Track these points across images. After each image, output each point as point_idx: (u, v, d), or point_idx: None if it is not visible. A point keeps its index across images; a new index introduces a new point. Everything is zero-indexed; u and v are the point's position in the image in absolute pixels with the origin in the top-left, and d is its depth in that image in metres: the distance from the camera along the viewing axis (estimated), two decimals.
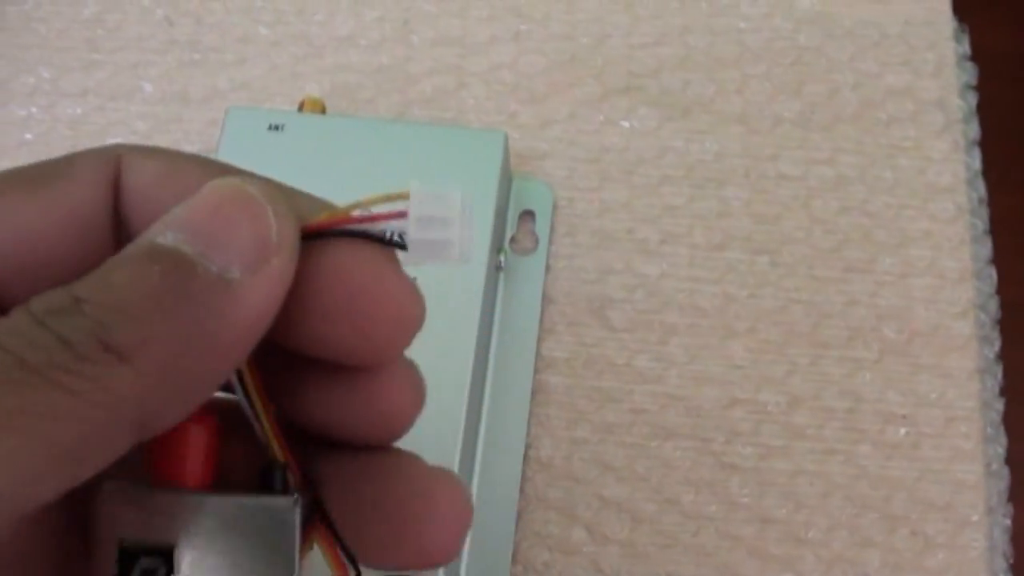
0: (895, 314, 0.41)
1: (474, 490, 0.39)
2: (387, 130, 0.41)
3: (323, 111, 0.42)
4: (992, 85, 0.45)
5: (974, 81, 0.45)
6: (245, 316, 0.19)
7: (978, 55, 0.45)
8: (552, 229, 0.43)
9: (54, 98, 0.45)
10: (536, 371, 0.41)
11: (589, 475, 0.40)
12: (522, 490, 0.39)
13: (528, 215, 0.43)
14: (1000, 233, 0.43)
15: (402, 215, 0.20)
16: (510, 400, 0.40)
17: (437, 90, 0.45)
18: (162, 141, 0.44)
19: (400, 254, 0.21)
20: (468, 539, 0.38)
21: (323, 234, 0.20)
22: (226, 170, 0.22)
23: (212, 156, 0.39)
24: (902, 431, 0.40)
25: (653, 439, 0.40)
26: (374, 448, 0.23)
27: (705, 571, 0.39)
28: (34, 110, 0.45)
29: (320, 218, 0.20)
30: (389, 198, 0.20)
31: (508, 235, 0.42)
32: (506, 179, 0.41)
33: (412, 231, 0.20)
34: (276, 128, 0.40)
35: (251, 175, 0.22)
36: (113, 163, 0.22)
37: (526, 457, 0.40)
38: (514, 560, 0.39)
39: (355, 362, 0.21)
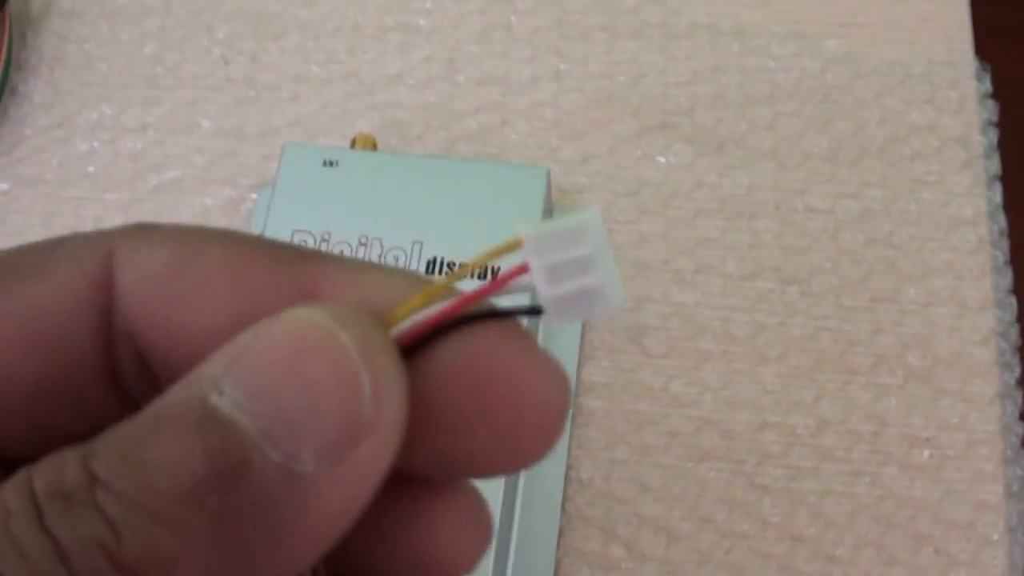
0: (919, 342, 0.43)
1: (517, 510, 0.41)
2: (436, 166, 0.43)
3: (375, 147, 0.44)
4: (1014, 120, 0.47)
5: (995, 118, 0.47)
6: (317, 521, 0.14)
7: (1001, 91, 0.47)
8: None
9: (115, 133, 0.48)
10: (576, 395, 0.43)
11: (627, 495, 0.42)
12: (563, 509, 0.41)
13: None
14: (1021, 260, 0.45)
15: (524, 270, 0.16)
16: None
17: (482, 127, 0.47)
18: (219, 174, 0.47)
19: (545, 319, 0.16)
20: (512, 556, 0.40)
21: (429, 337, 0.16)
22: (254, 248, 0.17)
23: (269, 191, 0.42)
24: (926, 454, 0.42)
25: (688, 460, 0.42)
26: None
27: None
28: (96, 144, 0.48)
29: (417, 321, 0.16)
30: (497, 253, 0.16)
31: None
32: (547, 212, 0.43)
33: (544, 289, 0.15)
34: (331, 164, 0.42)
35: (314, 261, 0.17)
36: (101, 256, 0.17)
37: (567, 478, 0.42)
38: None
39: (490, 474, 0.17)
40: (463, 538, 0.18)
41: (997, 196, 0.46)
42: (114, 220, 0.46)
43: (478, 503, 0.19)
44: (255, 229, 0.43)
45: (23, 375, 0.17)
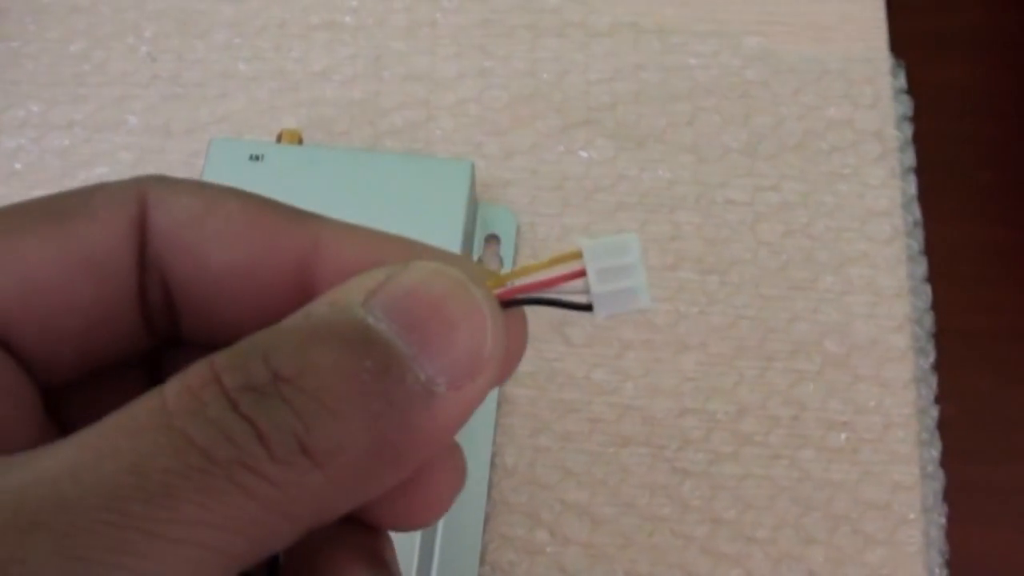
0: (836, 329, 0.48)
1: None
2: (361, 160, 0.46)
3: (300, 142, 0.47)
4: (928, 117, 0.52)
5: (910, 113, 0.51)
6: (436, 429, 0.19)
7: (915, 89, 0.52)
8: (516, 252, 0.49)
9: (43, 130, 0.51)
10: (501, 385, 0.46)
11: (551, 480, 0.45)
12: (489, 495, 0.45)
13: (493, 239, 0.49)
14: (935, 249, 0.49)
15: (578, 275, 0.21)
16: (476, 413, 0.44)
17: (407, 122, 0.51)
18: (147, 171, 0.48)
19: (593, 315, 0.21)
20: (439, 542, 0.43)
21: (514, 303, 0.21)
22: (266, 203, 0.22)
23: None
24: (843, 437, 0.46)
25: (611, 446, 0.46)
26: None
27: (660, 569, 0.44)
28: (24, 141, 0.51)
29: (504, 290, 0.21)
30: (558, 260, 0.21)
31: (475, 258, 0.48)
32: (473, 205, 0.47)
33: (596, 286, 0.21)
34: (256, 158, 0.45)
35: (425, 249, 0.22)
36: (137, 199, 0.21)
37: (493, 464, 0.45)
38: (482, 561, 0.44)
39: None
40: (441, 478, 0.22)
41: (911, 188, 0.50)
42: None
43: (458, 452, 0.22)
44: None
45: (80, 302, 0.21)
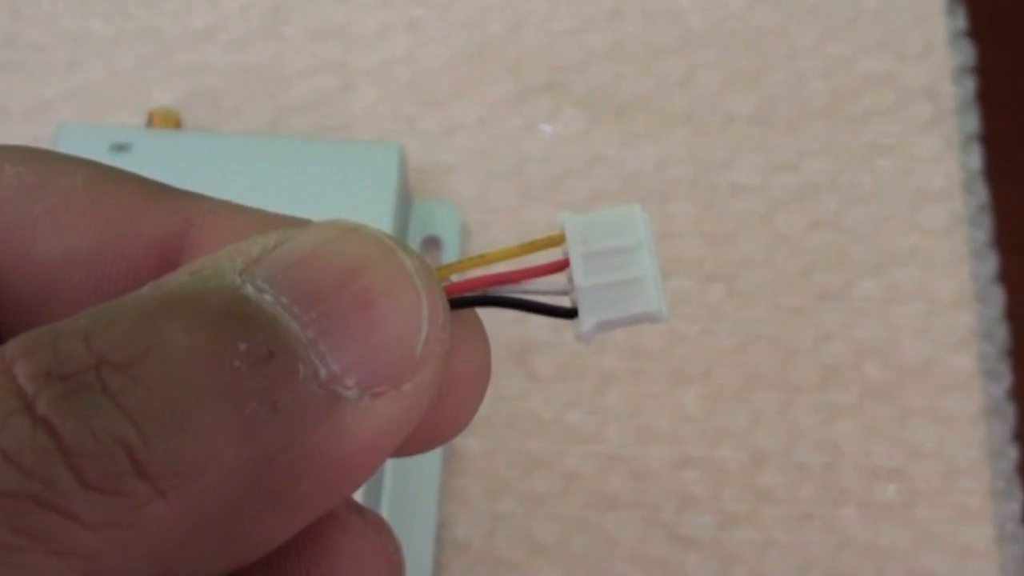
0: (878, 348, 0.45)
1: None
2: (257, 147, 0.44)
3: (178, 125, 0.46)
4: (998, 63, 0.48)
5: (972, 62, 0.48)
6: (340, 461, 0.16)
7: (980, 27, 0.49)
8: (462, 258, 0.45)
9: None
10: (452, 436, 0.42)
11: (515, 557, 0.43)
12: None
13: (433, 242, 0.46)
14: (1009, 240, 0.46)
15: (559, 267, 0.18)
16: (417, 470, 0.42)
17: (317, 93, 0.48)
18: None
19: (575, 324, 0.18)
20: None
21: (463, 303, 0.18)
22: (124, 177, 0.19)
23: None
24: (892, 489, 0.43)
25: (591, 510, 0.43)
26: None
27: None
28: None
29: (449, 284, 0.18)
30: (532, 247, 0.18)
31: None
32: (404, 200, 0.44)
33: (581, 277, 0.17)
34: (121, 148, 0.43)
35: (229, 206, 0.19)
36: None
37: (438, 539, 0.42)
38: None
39: (428, 447, 0.19)
40: (359, 569, 0.18)
41: (974, 161, 0.47)
42: None
43: (384, 535, 0.19)
44: None
45: None
